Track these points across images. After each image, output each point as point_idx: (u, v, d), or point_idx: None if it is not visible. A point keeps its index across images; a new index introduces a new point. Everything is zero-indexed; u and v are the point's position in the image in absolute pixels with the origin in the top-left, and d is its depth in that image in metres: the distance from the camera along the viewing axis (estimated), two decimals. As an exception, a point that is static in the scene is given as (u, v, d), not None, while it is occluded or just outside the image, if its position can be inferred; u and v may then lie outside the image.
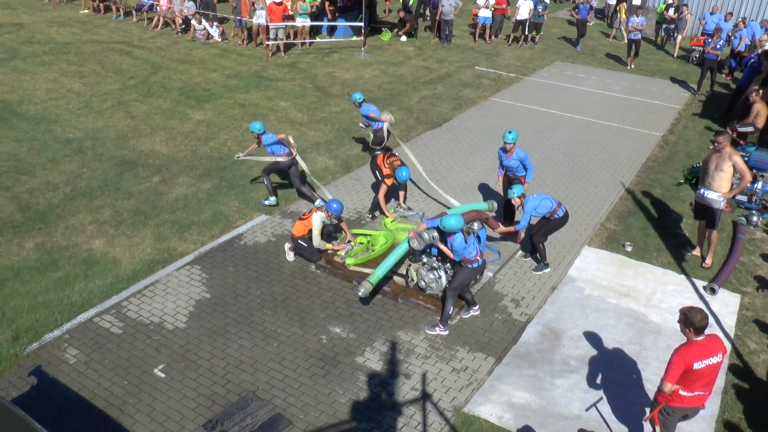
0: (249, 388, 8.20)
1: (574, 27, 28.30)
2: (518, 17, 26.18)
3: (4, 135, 15.30)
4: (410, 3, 27.61)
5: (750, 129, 15.24)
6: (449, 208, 11.88)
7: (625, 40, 25.65)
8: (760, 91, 15.78)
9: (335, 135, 15.98)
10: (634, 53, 24.01)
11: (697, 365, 6.33)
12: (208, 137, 15.69)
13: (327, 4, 25.54)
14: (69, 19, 27.39)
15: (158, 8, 26.49)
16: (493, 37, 27.37)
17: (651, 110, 19.35)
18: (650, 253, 11.46)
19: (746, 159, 13.19)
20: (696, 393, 6.55)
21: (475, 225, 9.44)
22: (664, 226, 12.44)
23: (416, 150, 15.28)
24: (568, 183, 14.03)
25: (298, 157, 12.51)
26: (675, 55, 26.39)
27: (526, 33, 26.61)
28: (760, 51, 19.77)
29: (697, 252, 11.44)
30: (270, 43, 23.15)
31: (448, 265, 9.64)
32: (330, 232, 10.86)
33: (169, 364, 8.54)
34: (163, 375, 8.36)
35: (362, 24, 24.62)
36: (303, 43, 24.71)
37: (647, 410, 7.83)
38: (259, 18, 23.16)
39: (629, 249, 11.52)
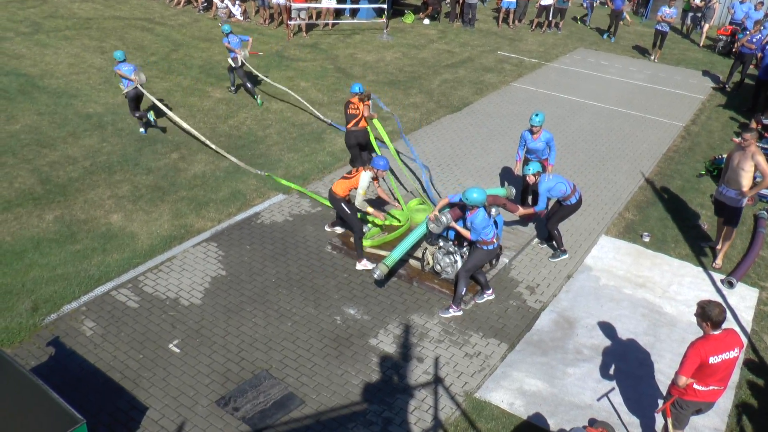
0: (262, 366, 8.26)
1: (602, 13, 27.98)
2: (542, 2, 25.92)
3: (26, 108, 15.40)
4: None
5: (774, 122, 15.04)
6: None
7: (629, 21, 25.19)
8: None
9: (356, 116, 15.95)
10: (659, 46, 23.21)
11: (713, 359, 6.28)
12: (227, 115, 15.71)
13: (350, -15, 25.45)
14: (92, -7, 27.48)
15: (181, -15, 26.52)
16: (516, 22, 27.16)
17: (674, 100, 19.14)
18: (668, 245, 11.37)
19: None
20: (711, 387, 6.51)
21: (493, 210, 9.42)
22: (683, 217, 12.33)
23: (436, 134, 15.25)
24: (587, 171, 13.93)
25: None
26: (701, 45, 26.03)
27: (550, 19, 26.36)
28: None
29: (718, 246, 11.25)
30: (292, 23, 23.08)
31: (465, 249, 9.63)
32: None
33: (184, 339, 8.61)
34: (177, 350, 8.43)
35: (385, 6, 24.48)
36: (325, 24, 24.62)
37: (660, 402, 7.82)
38: (282, -3, 23.14)
39: (647, 239, 11.44)
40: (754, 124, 15.71)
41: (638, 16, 29.67)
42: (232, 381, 8.00)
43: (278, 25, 24.37)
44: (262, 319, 9.06)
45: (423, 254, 9.95)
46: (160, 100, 15.60)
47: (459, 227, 9.23)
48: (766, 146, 14.29)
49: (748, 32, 20.30)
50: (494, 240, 9.07)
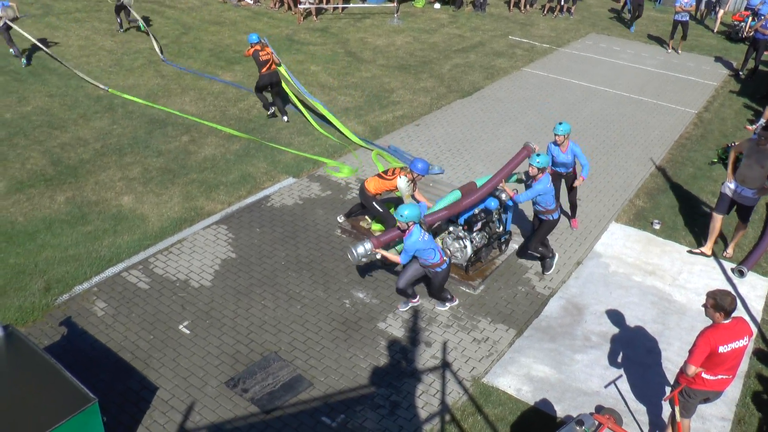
0: (271, 348, 8.30)
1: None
2: (554, -13, 25.69)
3: (37, 90, 15.44)
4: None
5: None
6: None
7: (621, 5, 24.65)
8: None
9: (365, 101, 15.91)
10: (682, 36, 22.10)
11: (722, 349, 6.26)
12: (237, 99, 15.71)
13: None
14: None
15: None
16: (528, 6, 26.97)
17: (686, 86, 18.99)
18: (678, 232, 11.33)
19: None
20: (719, 377, 6.49)
21: (503, 195, 9.44)
22: (693, 205, 12.27)
23: (447, 118, 15.21)
24: (598, 157, 13.87)
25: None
26: (715, 31, 25.74)
27: (562, 3, 26.14)
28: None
29: (709, 246, 10.77)
30: (302, 7, 23.00)
31: (475, 234, 9.61)
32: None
33: (194, 321, 8.67)
34: (187, 332, 8.49)
35: (395, -10, 24.36)
36: (335, 8, 24.52)
37: (667, 390, 7.83)
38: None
39: (657, 227, 11.40)
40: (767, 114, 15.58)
41: (651, 1, 29.38)
42: (241, 363, 8.05)
43: (288, 9, 24.28)
44: (272, 301, 9.10)
45: (432, 239, 9.95)
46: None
47: (386, 253, 8.45)
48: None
49: (763, 17, 20.03)
50: (443, 260, 8.55)
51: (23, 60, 17.22)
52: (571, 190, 10.94)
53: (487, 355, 8.39)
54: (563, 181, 10.94)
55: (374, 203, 10.06)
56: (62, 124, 13.78)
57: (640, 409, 7.75)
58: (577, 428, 6.24)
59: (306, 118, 14.57)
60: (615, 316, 9.21)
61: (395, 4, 24.20)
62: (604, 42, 23.15)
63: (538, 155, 9.16)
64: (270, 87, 14.32)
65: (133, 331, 8.43)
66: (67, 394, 6.18)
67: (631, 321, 9.14)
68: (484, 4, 25.92)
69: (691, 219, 11.76)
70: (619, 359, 8.46)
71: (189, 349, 8.22)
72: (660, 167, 13.72)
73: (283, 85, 14.64)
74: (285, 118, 14.49)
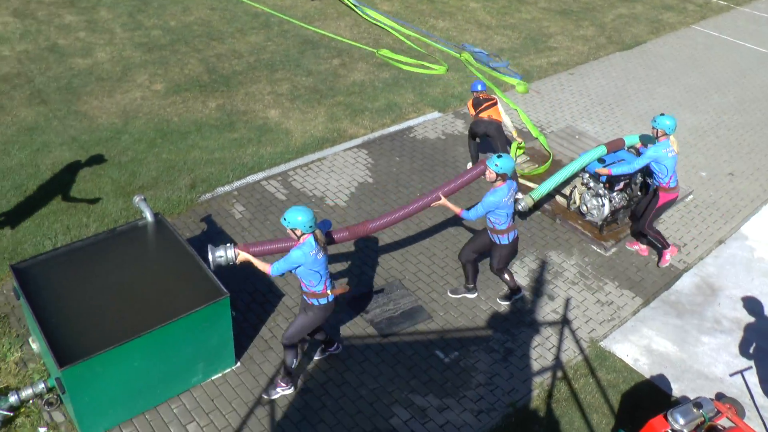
0: (396, 275, 8.43)
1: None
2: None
3: (199, 2, 15.99)
4: None
5: None
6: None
7: None
8: None
9: (521, 43, 15.47)
10: None
11: None
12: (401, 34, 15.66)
13: None
14: None
15: None
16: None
17: None
18: (841, 225, 10.46)
19: None
20: None
21: (520, 205, 8.94)
22: None
23: (602, 70, 14.57)
24: (760, 131, 12.88)
25: None
26: None
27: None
28: None
29: None
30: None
31: (615, 194, 9.25)
32: None
33: (325, 237, 8.91)
34: (318, 246, 8.74)
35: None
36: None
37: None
38: None
39: (817, 216, 10.56)
40: None
41: None
42: (365, 285, 8.24)
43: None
44: (402, 230, 9.19)
45: (571, 192, 9.68)
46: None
47: (255, 261, 6.60)
48: None
49: None
50: (327, 292, 6.43)
51: None
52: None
53: (608, 319, 8.18)
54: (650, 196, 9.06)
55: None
56: (220, 36, 14.26)
57: (766, 406, 7.34)
58: (694, 410, 5.96)
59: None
60: (753, 304, 8.67)
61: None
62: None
63: (499, 157, 7.13)
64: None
65: (266, 237, 8.77)
66: (202, 286, 6.55)
67: (772, 312, 8.61)
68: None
69: None
70: (751, 350, 7.98)
71: (317, 263, 8.48)
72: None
73: None
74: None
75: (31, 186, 9.41)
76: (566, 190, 9.84)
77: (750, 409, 7.21)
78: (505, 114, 10.06)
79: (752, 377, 7.63)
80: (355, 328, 7.65)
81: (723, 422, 6.08)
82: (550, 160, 10.59)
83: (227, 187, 9.68)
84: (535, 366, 7.44)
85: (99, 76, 12.26)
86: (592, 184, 9.41)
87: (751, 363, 7.82)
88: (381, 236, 9.00)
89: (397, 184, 10.11)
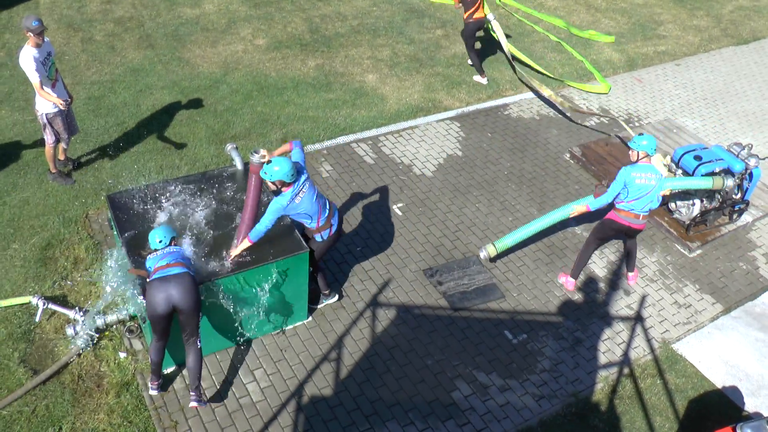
0: (474, 251, 8.42)
1: None
2: None
3: (310, -37, 16.13)
4: None
5: None
6: None
7: None
8: None
9: (630, 28, 14.95)
10: None
11: None
12: (499, 3, 15.41)
13: None
14: None
15: None
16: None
17: None
18: None
19: None
20: None
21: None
22: None
23: (711, 64, 13.97)
24: None
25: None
26: None
27: None
28: None
29: None
30: None
31: (706, 194, 8.92)
32: None
33: (408, 205, 8.96)
34: (400, 213, 8.81)
35: None
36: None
37: None
38: None
39: None
40: None
41: None
42: (442, 256, 8.27)
43: None
44: (486, 206, 9.16)
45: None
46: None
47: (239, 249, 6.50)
48: None
49: None
50: (322, 225, 6.74)
51: None
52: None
53: (684, 322, 7.95)
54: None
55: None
56: (327, -4, 14.40)
57: None
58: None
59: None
60: None
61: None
62: None
63: (269, 163, 6.40)
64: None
65: (350, 198, 8.89)
66: (283, 238, 6.71)
67: None
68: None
69: None
70: (841, 375, 7.65)
71: (398, 229, 8.56)
72: None
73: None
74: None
75: (131, 124, 9.86)
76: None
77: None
78: None
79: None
80: (428, 298, 7.70)
81: (797, 444, 5.86)
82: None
83: (317, 145, 9.84)
84: (602, 359, 7.34)
85: (204, 26, 12.58)
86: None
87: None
88: (464, 210, 8.99)
89: (486, 160, 10.04)
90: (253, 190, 6.56)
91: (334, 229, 6.85)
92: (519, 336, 7.43)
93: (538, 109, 11.49)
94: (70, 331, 6.61)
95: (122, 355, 6.69)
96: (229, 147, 7.67)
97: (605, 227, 7.72)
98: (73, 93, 10.18)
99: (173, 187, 7.19)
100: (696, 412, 6.94)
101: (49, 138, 8.31)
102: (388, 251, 8.23)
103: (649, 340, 7.66)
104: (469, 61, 12.17)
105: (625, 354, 7.44)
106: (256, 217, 6.54)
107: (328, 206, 6.79)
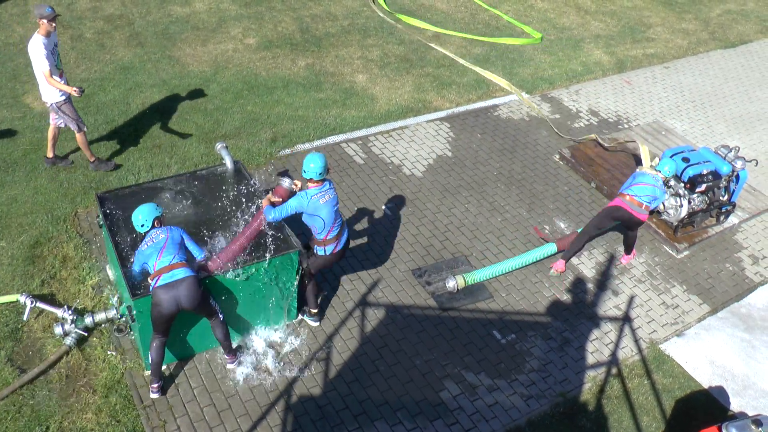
0: (463, 251, 8.45)
1: None
2: None
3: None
4: None
5: None
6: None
7: None
8: None
9: (619, 31, 15.03)
10: None
11: None
12: (490, 4, 15.43)
13: None
14: None
15: None
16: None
17: None
18: None
19: None
20: None
21: None
22: None
23: (699, 67, 14.06)
24: None
25: None
26: None
27: None
28: None
29: None
30: None
31: (694, 195, 8.98)
32: None
33: (397, 204, 8.99)
34: (389, 213, 8.84)
35: None
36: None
37: None
38: None
39: None
40: None
41: None
42: (431, 256, 8.29)
43: None
44: (475, 207, 9.19)
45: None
46: None
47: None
48: None
49: None
50: (330, 239, 6.81)
51: None
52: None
53: (671, 323, 8.01)
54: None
55: None
56: (317, -4, 14.40)
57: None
58: (752, 427, 5.78)
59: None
60: (834, 329, 8.35)
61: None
62: None
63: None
64: None
65: (339, 198, 8.88)
66: (278, 238, 6.72)
67: None
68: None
69: None
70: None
71: (387, 229, 8.58)
72: None
73: None
74: None
75: (121, 122, 9.84)
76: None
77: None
78: None
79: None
80: (417, 298, 7.72)
81: (783, 444, 5.91)
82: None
83: (307, 145, 9.84)
84: (591, 359, 7.38)
85: (195, 25, 12.57)
86: (672, 183, 9.14)
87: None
88: (453, 210, 9.02)
89: (475, 161, 10.07)
90: (259, 222, 6.60)
91: (339, 247, 6.88)
92: (507, 336, 7.46)
93: (528, 109, 11.53)
94: (58, 329, 6.58)
95: (111, 353, 6.67)
96: (219, 146, 7.68)
97: (606, 215, 8.18)
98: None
99: (163, 185, 7.18)
100: (683, 412, 7.00)
101: (73, 126, 8.43)
102: (377, 251, 8.24)
103: (636, 341, 7.71)
104: None
105: (613, 354, 7.49)
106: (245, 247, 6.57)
107: (341, 223, 6.86)
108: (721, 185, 9.23)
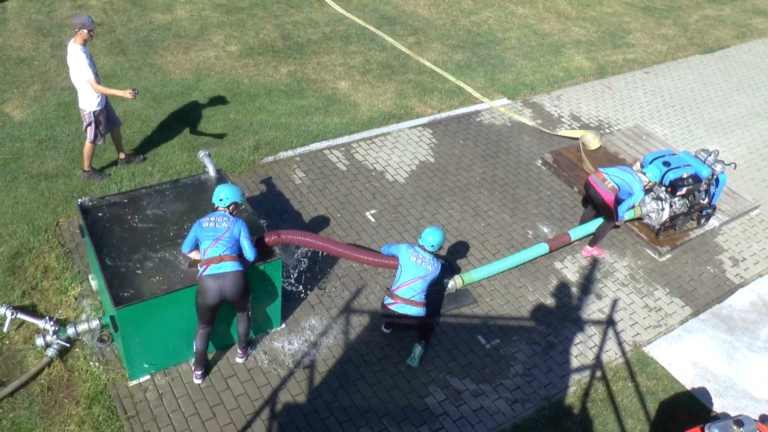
0: (447, 257, 8.46)
1: None
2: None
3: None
4: None
5: None
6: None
7: None
8: None
9: (599, 36, 15.17)
10: None
11: None
12: (471, 11, 15.51)
13: None
14: None
15: None
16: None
17: None
18: None
19: None
20: None
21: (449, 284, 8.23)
22: None
23: (679, 72, 14.21)
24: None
25: None
26: None
27: None
28: None
29: None
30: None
31: (675, 199, 9.06)
32: None
33: (381, 211, 8.99)
34: (373, 220, 8.83)
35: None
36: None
37: None
38: None
39: None
40: None
41: None
42: (415, 262, 8.30)
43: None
44: (458, 212, 9.21)
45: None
46: None
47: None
48: None
49: None
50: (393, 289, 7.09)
51: None
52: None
53: (655, 325, 8.07)
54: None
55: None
56: (299, 4, 14.36)
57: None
58: (734, 427, 5.82)
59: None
60: (813, 329, 8.44)
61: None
62: None
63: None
64: None
65: (323, 205, 8.91)
66: (257, 245, 6.69)
67: (832, 338, 8.33)
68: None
69: None
70: (805, 373, 7.80)
71: (371, 235, 8.58)
72: None
73: None
74: None
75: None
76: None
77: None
78: None
79: (802, 405, 7.46)
80: (400, 304, 7.72)
81: (764, 444, 5.96)
82: None
83: (290, 152, 9.83)
84: (575, 363, 7.41)
85: (177, 32, 12.53)
86: (654, 187, 9.22)
87: (803, 388, 7.65)
88: (437, 216, 9.04)
89: (459, 166, 10.11)
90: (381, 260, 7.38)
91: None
92: (492, 341, 7.48)
93: (510, 116, 11.59)
94: (39, 341, 6.52)
95: (94, 364, 6.62)
96: (201, 154, 7.66)
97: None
98: (44, 99, 10.14)
99: (146, 194, 7.15)
100: (666, 414, 7.04)
101: (90, 135, 8.52)
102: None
103: (620, 343, 7.75)
104: None
105: (597, 357, 7.52)
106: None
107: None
108: (702, 188, 9.32)
